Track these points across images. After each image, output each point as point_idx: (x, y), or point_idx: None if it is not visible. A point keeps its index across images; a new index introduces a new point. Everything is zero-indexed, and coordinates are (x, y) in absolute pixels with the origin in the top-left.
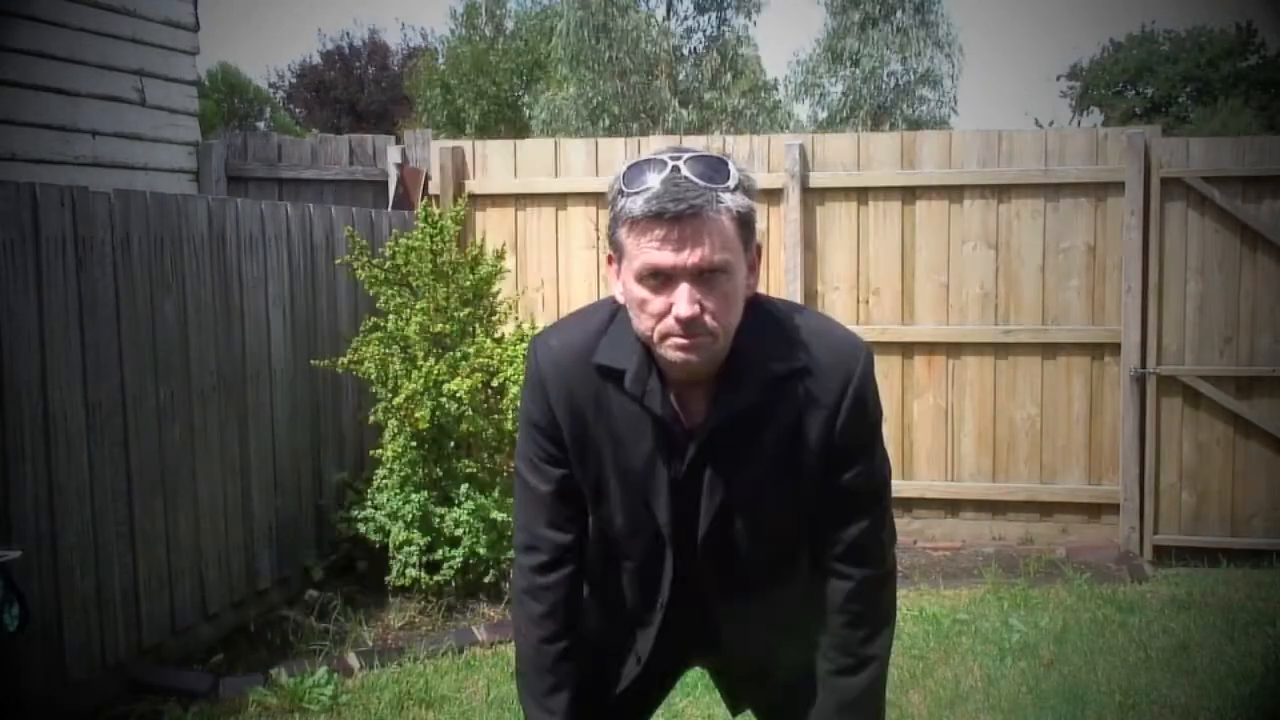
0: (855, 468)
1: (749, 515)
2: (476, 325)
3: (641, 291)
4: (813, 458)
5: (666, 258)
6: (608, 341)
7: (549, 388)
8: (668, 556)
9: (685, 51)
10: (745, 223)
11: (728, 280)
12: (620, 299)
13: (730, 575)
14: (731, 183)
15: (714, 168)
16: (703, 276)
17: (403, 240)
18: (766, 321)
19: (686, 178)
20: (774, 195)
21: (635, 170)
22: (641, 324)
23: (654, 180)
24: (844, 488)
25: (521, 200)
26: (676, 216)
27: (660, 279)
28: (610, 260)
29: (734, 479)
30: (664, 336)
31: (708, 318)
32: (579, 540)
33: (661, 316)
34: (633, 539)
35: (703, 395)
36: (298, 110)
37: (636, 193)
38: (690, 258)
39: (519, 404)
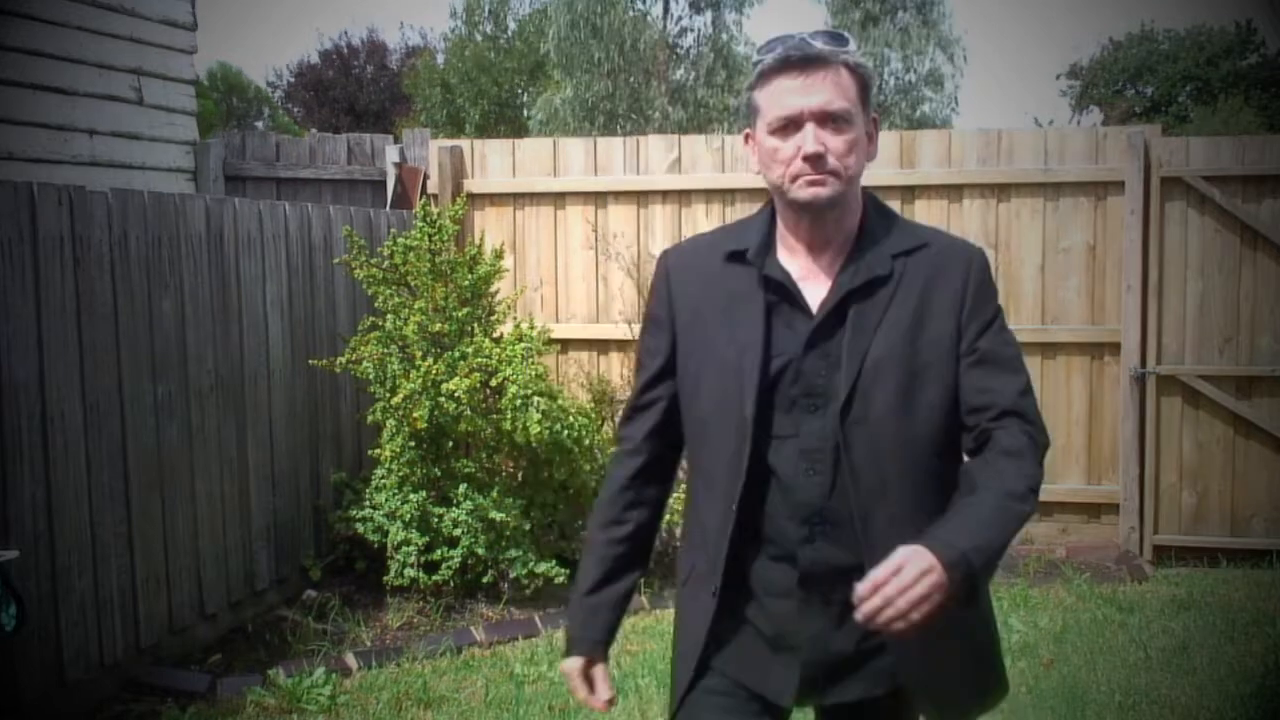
0: (990, 332)
1: (887, 382)
2: (475, 325)
3: (773, 141)
4: (945, 324)
5: (794, 101)
6: (737, 231)
7: (672, 278)
8: (746, 449)
9: (680, 51)
10: (864, 84)
11: (850, 128)
12: (757, 169)
13: (867, 475)
14: (851, 47)
15: (836, 36)
16: (827, 122)
17: (401, 240)
18: (884, 210)
19: (811, 40)
20: None
21: (769, 42)
22: (773, 174)
23: (784, 43)
24: (984, 351)
25: (520, 200)
26: (803, 63)
27: (789, 126)
28: (746, 138)
29: (869, 342)
30: (794, 179)
31: (832, 158)
32: (662, 452)
33: (791, 160)
34: (722, 431)
35: (828, 271)
36: (296, 109)
37: (769, 52)
38: (815, 100)
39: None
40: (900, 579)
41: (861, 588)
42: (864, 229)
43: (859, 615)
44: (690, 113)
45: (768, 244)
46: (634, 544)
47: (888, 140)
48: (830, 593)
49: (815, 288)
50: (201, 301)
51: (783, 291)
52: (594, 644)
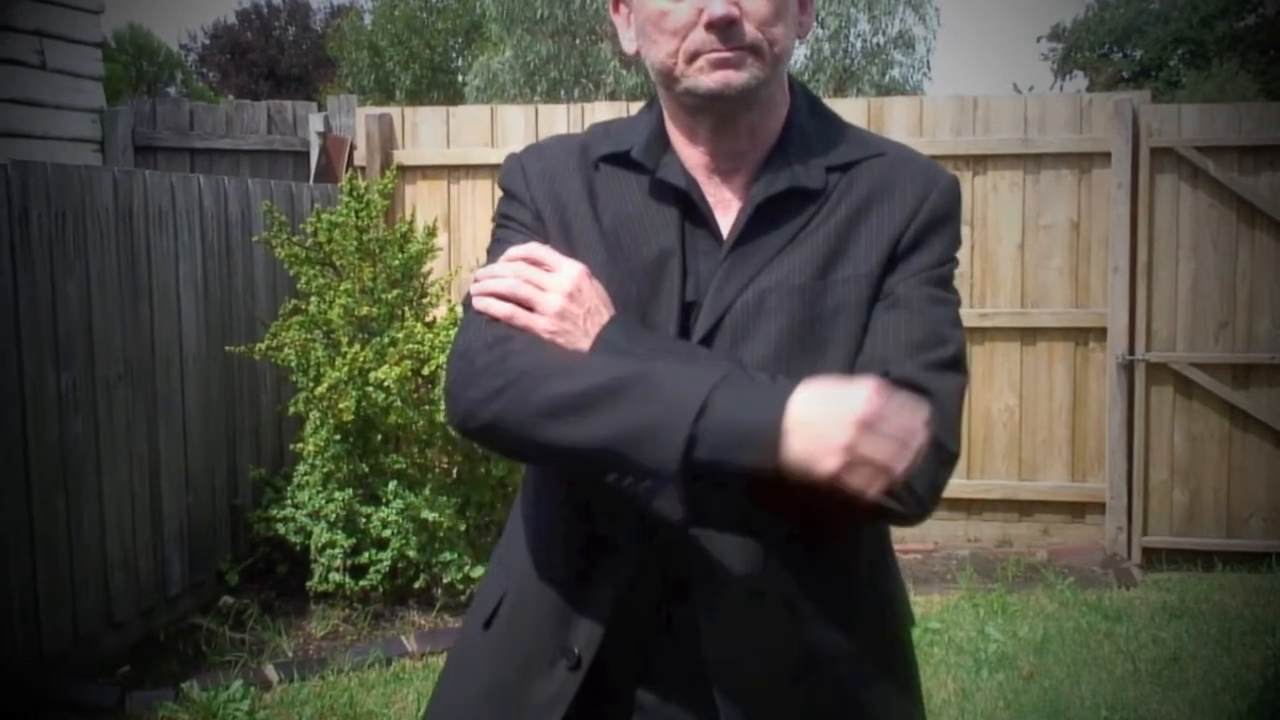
0: (921, 278)
1: (767, 323)
2: (406, 308)
3: (658, 3)
4: (872, 256)
5: None
6: (612, 131)
7: (527, 169)
8: None
9: None
10: None
11: None
12: (631, 48)
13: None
14: None
15: None
16: None
17: (325, 216)
18: (821, 109)
19: None
20: None
21: None
22: (659, 52)
23: None
24: (900, 296)
25: (455, 172)
26: None
27: None
28: (615, 3)
29: (756, 268)
30: (692, 57)
31: (749, 26)
32: None
33: (687, 31)
34: None
35: (740, 195)
36: (211, 75)
37: None
38: None
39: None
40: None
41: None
42: (790, 133)
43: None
44: (643, 78)
45: (658, 143)
46: None
47: (854, 108)
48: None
49: (723, 214)
50: (109, 283)
51: (686, 205)
52: None
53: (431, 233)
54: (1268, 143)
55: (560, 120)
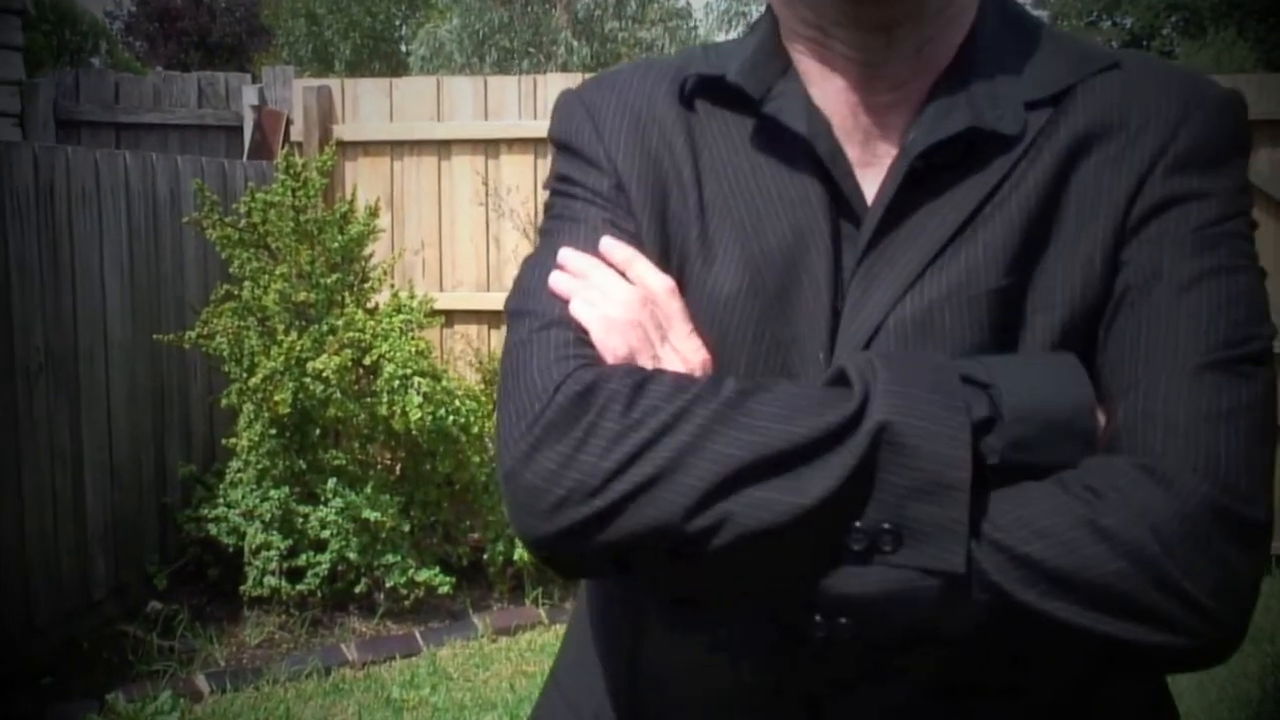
0: (1187, 245)
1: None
2: (346, 294)
3: None
4: (1097, 232)
5: None
6: (719, 51)
7: (598, 111)
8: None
9: None
10: None
11: None
12: None
13: None
14: None
15: None
16: None
17: (260, 195)
18: (1017, 12)
19: None
20: None
21: None
22: None
23: None
24: (1142, 285)
25: (398, 148)
26: None
27: None
28: None
29: (915, 269)
30: None
31: None
32: None
33: None
34: None
35: (894, 136)
36: (138, 44)
37: None
38: None
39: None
40: None
41: None
42: (971, 52)
43: None
44: (597, 48)
45: (770, 62)
46: None
47: None
48: None
49: (871, 168)
50: (29, 266)
51: (811, 159)
52: None
53: (373, 213)
54: (1267, 117)
55: (511, 93)
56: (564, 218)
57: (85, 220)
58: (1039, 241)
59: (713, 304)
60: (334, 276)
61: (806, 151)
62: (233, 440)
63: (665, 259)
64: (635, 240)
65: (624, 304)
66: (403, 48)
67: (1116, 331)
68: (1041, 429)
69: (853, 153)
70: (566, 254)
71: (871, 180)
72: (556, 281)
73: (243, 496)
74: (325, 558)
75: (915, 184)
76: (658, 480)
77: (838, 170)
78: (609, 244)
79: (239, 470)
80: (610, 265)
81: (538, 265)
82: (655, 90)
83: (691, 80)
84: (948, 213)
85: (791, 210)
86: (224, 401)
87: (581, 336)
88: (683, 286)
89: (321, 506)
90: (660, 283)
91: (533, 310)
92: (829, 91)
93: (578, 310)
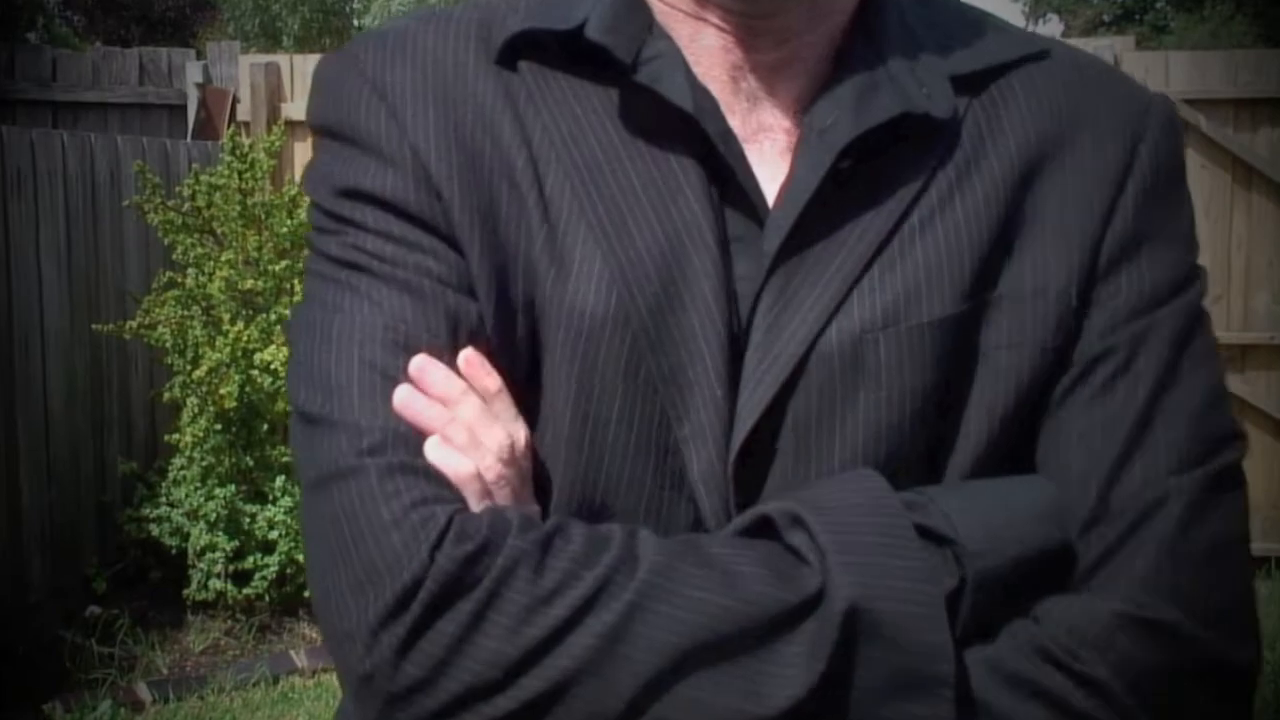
0: (1160, 315)
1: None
2: (295, 281)
3: None
4: (1063, 262)
5: None
6: (536, 5)
7: (393, 90)
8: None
9: None
10: None
11: None
12: None
13: None
14: None
15: None
16: None
17: (205, 177)
18: None
19: None
20: None
21: None
22: None
23: None
24: (1119, 358)
25: None
26: None
27: None
28: None
29: (846, 286)
30: None
31: None
32: None
33: None
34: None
35: (788, 110)
36: (76, 18)
37: None
38: None
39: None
40: None
41: None
42: (877, 10)
43: None
44: None
45: (633, 14)
46: None
47: None
48: None
49: (755, 145)
50: None
51: (686, 136)
52: None
53: None
54: (1266, 95)
55: None
56: (366, 268)
57: (20, 204)
58: (994, 261)
59: (573, 330)
60: (283, 263)
61: (683, 128)
62: (176, 436)
63: (503, 282)
64: (476, 305)
65: (497, 455)
66: (355, 22)
67: (1082, 422)
68: (1008, 590)
69: (737, 128)
70: (426, 366)
71: (759, 164)
72: (408, 405)
73: (186, 495)
74: (274, 560)
75: (832, 180)
76: (580, 677)
77: (731, 154)
78: (474, 360)
79: (182, 468)
80: (475, 391)
81: (337, 343)
82: (461, 52)
83: (518, 30)
84: (875, 216)
85: (662, 203)
86: (167, 395)
87: (429, 465)
88: (533, 308)
89: (270, 506)
90: (520, 432)
91: (350, 421)
92: (701, 50)
93: (440, 458)
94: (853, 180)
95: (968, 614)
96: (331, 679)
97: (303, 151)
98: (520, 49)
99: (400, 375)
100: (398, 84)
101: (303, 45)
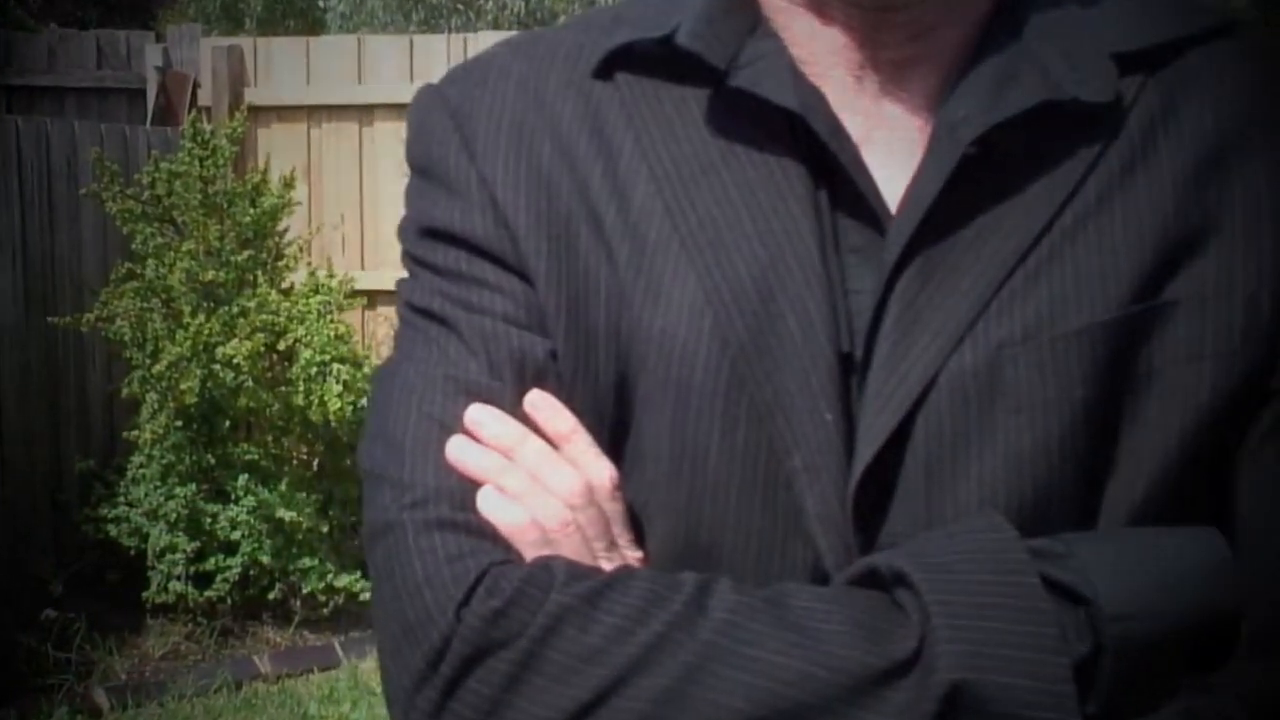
0: None
1: (1007, 420)
2: (258, 272)
3: None
4: (1245, 268)
5: None
6: (630, 13)
7: (470, 124)
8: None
9: None
10: None
11: None
12: None
13: None
14: None
15: None
16: None
17: (164, 165)
18: None
19: None
20: None
21: None
22: None
23: None
24: None
25: (316, 113)
26: None
27: None
28: None
29: (981, 302)
30: None
31: None
32: None
33: None
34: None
35: (920, 109)
36: None
37: None
38: None
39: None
40: None
41: None
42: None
43: None
44: (532, 5)
45: (732, 17)
46: None
47: None
48: None
49: (879, 149)
50: None
51: (810, 146)
52: None
53: (289, 184)
54: None
55: (439, 53)
56: (438, 314)
57: None
58: (1166, 264)
59: (665, 356)
60: (245, 254)
61: (787, 130)
62: (135, 433)
63: (580, 311)
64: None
65: (563, 501)
66: (320, 4)
67: (1271, 468)
68: (1157, 657)
69: (853, 128)
70: (482, 413)
71: (883, 166)
72: (460, 454)
73: (145, 495)
74: (236, 561)
75: (965, 178)
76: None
77: (843, 154)
78: (541, 402)
79: (141, 466)
80: (541, 435)
81: (399, 393)
82: (545, 75)
83: (615, 45)
84: (1020, 218)
85: (761, 212)
86: (125, 391)
87: (474, 517)
88: (618, 335)
89: (232, 505)
90: (603, 473)
91: (396, 476)
92: (820, 48)
93: (494, 509)
94: (992, 179)
95: (1105, 689)
96: (295, 684)
97: (265, 138)
98: (619, 62)
99: (457, 425)
100: (475, 113)
101: (266, 28)
